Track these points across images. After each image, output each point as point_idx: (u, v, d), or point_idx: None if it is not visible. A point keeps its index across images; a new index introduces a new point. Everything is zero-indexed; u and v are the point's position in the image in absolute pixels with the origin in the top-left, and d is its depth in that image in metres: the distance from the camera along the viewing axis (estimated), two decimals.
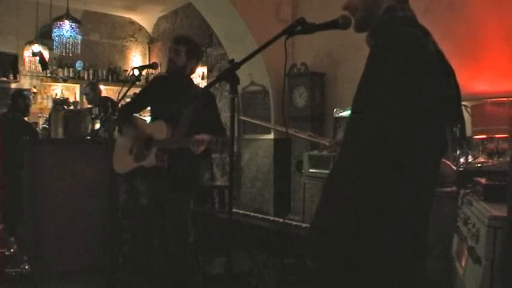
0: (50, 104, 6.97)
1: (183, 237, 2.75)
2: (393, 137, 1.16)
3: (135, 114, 2.99)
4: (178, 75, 2.81)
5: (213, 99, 2.95)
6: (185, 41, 2.82)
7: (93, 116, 4.33)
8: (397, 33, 1.25)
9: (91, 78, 7.63)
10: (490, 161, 2.85)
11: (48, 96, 7.28)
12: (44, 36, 6.23)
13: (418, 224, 1.28)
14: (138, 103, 3.01)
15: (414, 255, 1.28)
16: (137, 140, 2.75)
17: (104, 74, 7.82)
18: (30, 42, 6.15)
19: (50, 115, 4.64)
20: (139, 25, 8.38)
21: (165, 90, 2.83)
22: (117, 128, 3.03)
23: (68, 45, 5.63)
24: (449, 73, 1.33)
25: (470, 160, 2.91)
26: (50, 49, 6.04)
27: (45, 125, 5.03)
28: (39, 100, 7.19)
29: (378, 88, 1.19)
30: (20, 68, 6.89)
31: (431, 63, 1.23)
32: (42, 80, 7.25)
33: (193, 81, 2.97)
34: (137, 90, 4.04)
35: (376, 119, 1.17)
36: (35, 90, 7.13)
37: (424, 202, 1.30)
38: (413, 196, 1.23)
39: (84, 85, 6.41)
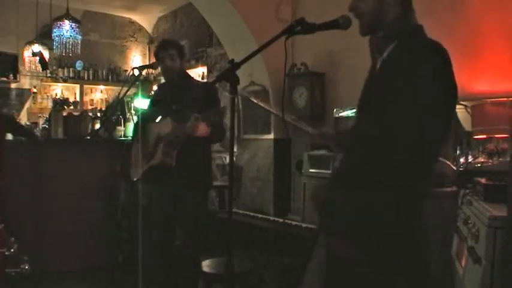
0: (50, 104, 6.95)
1: (193, 239, 2.76)
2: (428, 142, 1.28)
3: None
4: (179, 77, 2.90)
5: (214, 93, 2.94)
6: (171, 43, 2.92)
7: (93, 116, 4.33)
8: (432, 44, 1.33)
9: (91, 78, 7.63)
10: (490, 161, 2.85)
11: (48, 96, 7.27)
12: (44, 36, 6.20)
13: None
14: (151, 114, 3.03)
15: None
16: (148, 142, 2.80)
17: (104, 74, 7.82)
18: (30, 42, 6.14)
19: (50, 115, 4.63)
20: (139, 25, 8.37)
21: (171, 93, 2.92)
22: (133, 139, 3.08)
23: (68, 45, 5.62)
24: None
25: (470, 160, 2.91)
26: (50, 49, 6.03)
27: (45, 125, 5.03)
28: (39, 100, 7.18)
29: (418, 94, 1.25)
30: (20, 68, 6.88)
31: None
32: (42, 80, 7.24)
33: (191, 77, 3.07)
34: (136, 90, 4.05)
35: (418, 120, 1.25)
36: (35, 90, 7.12)
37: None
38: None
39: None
